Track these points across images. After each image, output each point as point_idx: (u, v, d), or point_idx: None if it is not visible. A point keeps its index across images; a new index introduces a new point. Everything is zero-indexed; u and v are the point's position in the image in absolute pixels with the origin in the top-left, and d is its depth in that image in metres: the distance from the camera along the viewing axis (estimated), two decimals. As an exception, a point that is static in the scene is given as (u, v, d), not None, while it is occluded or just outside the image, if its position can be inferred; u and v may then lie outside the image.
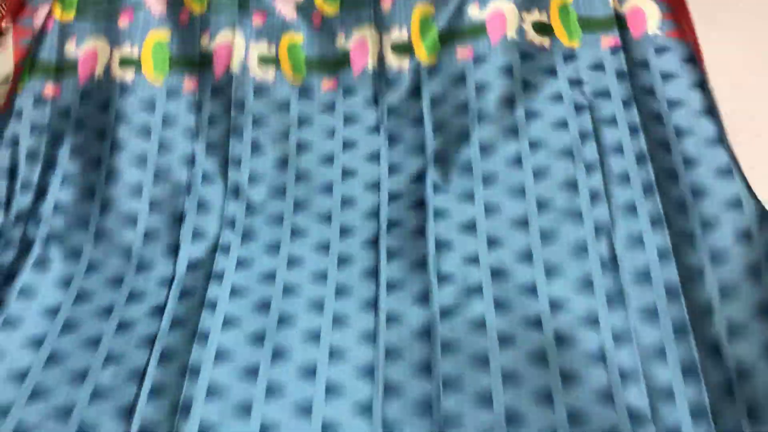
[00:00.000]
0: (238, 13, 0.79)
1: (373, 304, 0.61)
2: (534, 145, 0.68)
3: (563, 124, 0.68)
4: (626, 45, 0.74)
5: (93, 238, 0.68)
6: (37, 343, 0.60)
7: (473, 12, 0.76)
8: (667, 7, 0.76)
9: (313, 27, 0.79)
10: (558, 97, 0.70)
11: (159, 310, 0.62)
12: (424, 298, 0.61)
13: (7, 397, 0.57)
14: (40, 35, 0.81)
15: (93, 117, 0.75)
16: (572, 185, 0.65)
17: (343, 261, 0.64)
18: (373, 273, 0.63)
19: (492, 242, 0.63)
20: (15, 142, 0.76)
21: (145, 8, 0.80)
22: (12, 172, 0.73)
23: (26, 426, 0.54)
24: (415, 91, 0.74)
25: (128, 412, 0.55)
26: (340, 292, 0.62)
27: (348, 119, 0.73)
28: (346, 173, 0.70)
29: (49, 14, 0.82)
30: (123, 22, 0.79)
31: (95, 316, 0.62)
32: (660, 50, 0.72)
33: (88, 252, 0.67)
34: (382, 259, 0.63)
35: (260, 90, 0.76)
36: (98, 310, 0.63)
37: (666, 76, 0.70)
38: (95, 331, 0.61)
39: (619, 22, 0.75)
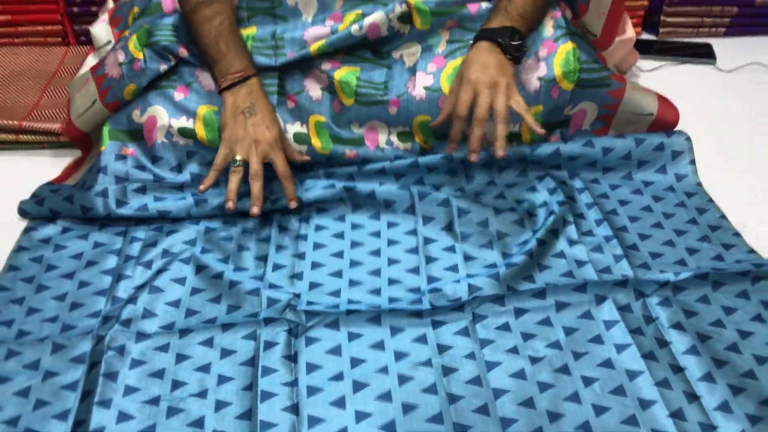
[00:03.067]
0: (277, 98, 0.97)
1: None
2: None
3: None
4: (563, 141, 0.99)
5: None
6: None
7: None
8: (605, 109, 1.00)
9: (334, 111, 0.98)
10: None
11: None
12: None
13: None
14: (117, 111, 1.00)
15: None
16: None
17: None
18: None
19: None
20: (104, 194, 0.93)
21: (197, 83, 0.96)
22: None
23: None
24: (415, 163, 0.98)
25: None
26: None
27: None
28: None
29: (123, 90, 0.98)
30: (178, 95, 0.95)
31: None
32: (587, 144, 0.99)
33: None
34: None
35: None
36: None
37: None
38: None
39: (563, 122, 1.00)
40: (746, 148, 1.12)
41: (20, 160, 1.10)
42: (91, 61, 1.13)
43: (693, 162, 1.02)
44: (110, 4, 1.17)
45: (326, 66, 0.99)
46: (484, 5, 0.99)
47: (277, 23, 1.01)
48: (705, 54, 1.40)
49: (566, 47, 0.96)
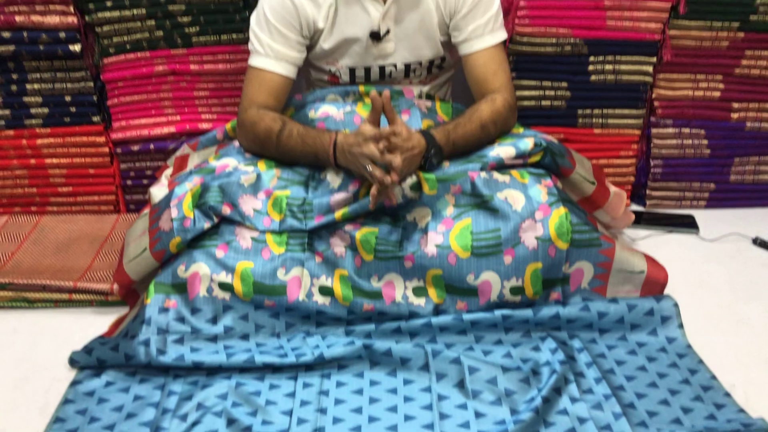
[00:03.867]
0: (306, 253, 1.11)
1: None
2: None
3: None
4: (565, 298, 1.11)
5: None
6: None
7: (470, 278, 1.09)
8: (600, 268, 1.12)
9: (355, 266, 1.12)
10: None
11: None
12: None
13: None
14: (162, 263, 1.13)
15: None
16: None
17: None
18: None
19: None
20: (146, 344, 1.04)
21: (236, 242, 1.10)
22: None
23: None
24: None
25: None
26: None
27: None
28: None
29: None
30: (219, 252, 1.09)
31: None
32: (586, 300, 1.11)
33: None
34: None
35: (321, 312, 1.10)
36: None
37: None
38: None
39: (563, 279, 1.12)
40: (730, 313, 1.22)
41: (71, 317, 1.21)
42: (145, 215, 1.26)
43: (681, 326, 1.12)
44: (168, 171, 1.34)
45: (348, 227, 1.13)
46: (483, 174, 1.13)
47: (308, 190, 1.18)
48: (689, 224, 1.54)
49: (559, 211, 1.10)
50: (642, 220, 1.55)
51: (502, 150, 1.17)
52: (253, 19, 1.25)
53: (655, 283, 1.15)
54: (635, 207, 1.65)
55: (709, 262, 1.40)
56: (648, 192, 1.64)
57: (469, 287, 1.09)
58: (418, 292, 1.11)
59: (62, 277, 1.23)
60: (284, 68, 1.25)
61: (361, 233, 1.11)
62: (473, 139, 1.19)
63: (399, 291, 1.11)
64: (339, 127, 1.23)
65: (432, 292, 1.11)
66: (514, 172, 1.15)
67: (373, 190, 1.08)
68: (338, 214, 1.12)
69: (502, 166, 1.16)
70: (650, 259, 1.17)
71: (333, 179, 1.17)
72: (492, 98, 1.24)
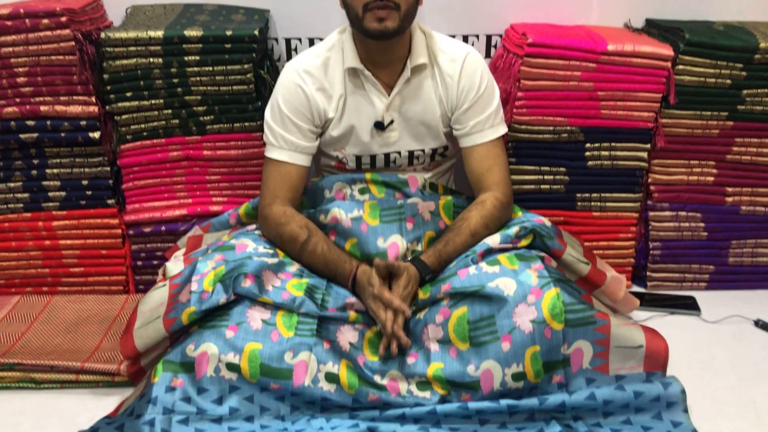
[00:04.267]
0: (314, 338, 1.13)
1: None
2: None
3: None
4: (567, 380, 1.11)
5: None
6: None
7: (470, 369, 1.11)
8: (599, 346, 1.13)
9: (358, 364, 1.15)
10: None
11: None
12: None
13: None
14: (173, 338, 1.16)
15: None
16: None
17: None
18: None
19: None
20: (152, 424, 1.05)
21: (246, 323, 1.12)
22: None
23: None
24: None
25: None
26: None
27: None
28: None
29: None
30: (229, 333, 1.12)
31: None
32: (589, 381, 1.11)
33: None
34: None
35: (326, 399, 1.11)
36: None
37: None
38: None
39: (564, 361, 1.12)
40: (735, 396, 1.22)
41: (77, 398, 1.22)
42: (162, 287, 1.26)
43: (686, 410, 1.11)
44: (180, 252, 1.37)
45: (359, 326, 1.18)
46: (472, 270, 1.17)
47: (328, 283, 1.23)
48: (690, 306, 1.56)
49: (551, 293, 1.12)
50: (644, 301, 1.57)
51: (489, 238, 1.23)
52: (268, 112, 1.33)
53: (656, 355, 1.14)
54: (636, 288, 1.67)
55: (712, 344, 1.40)
56: (648, 274, 1.66)
57: (471, 379, 1.11)
58: (422, 386, 1.13)
59: (70, 358, 1.25)
60: (299, 159, 1.31)
61: (369, 334, 1.17)
62: (465, 248, 1.25)
63: (403, 386, 1.13)
64: (348, 234, 1.28)
65: (436, 385, 1.13)
66: (503, 259, 1.18)
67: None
68: (352, 316, 1.17)
69: (490, 252, 1.20)
70: (648, 330, 1.16)
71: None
72: (482, 201, 1.30)
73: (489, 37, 1.68)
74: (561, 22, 1.63)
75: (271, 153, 1.31)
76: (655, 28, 1.62)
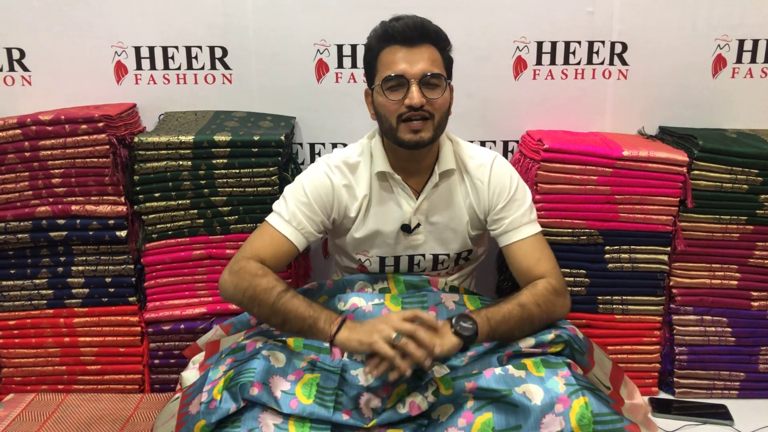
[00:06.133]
0: (332, 414, 1.11)
1: None
2: None
3: None
4: None
5: None
6: None
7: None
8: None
9: None
10: None
11: None
12: None
13: None
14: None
15: None
16: None
17: None
18: None
19: None
20: None
21: (259, 429, 1.08)
22: None
23: None
24: None
25: None
26: None
27: None
28: None
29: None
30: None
31: None
32: None
33: None
34: None
35: None
36: None
37: None
38: None
39: None
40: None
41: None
42: (176, 399, 1.27)
43: None
44: (199, 357, 1.36)
45: (376, 430, 1.13)
46: (498, 371, 1.13)
47: (340, 382, 1.18)
48: (722, 415, 1.49)
49: (579, 401, 1.07)
50: (673, 409, 1.51)
51: (522, 341, 1.19)
52: (289, 188, 1.34)
53: None
54: (664, 395, 1.61)
55: (751, 454, 1.34)
56: (675, 380, 1.61)
57: None
58: None
59: (81, 461, 1.22)
60: (298, 239, 1.30)
61: None
62: (512, 318, 1.19)
63: None
64: (367, 317, 1.25)
65: None
66: (529, 364, 1.15)
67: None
68: (369, 424, 1.12)
69: (519, 355, 1.18)
70: None
71: (363, 378, 1.19)
72: (533, 284, 1.27)
73: (506, 143, 1.74)
74: (575, 129, 1.69)
75: (273, 220, 1.30)
76: (669, 135, 1.66)
